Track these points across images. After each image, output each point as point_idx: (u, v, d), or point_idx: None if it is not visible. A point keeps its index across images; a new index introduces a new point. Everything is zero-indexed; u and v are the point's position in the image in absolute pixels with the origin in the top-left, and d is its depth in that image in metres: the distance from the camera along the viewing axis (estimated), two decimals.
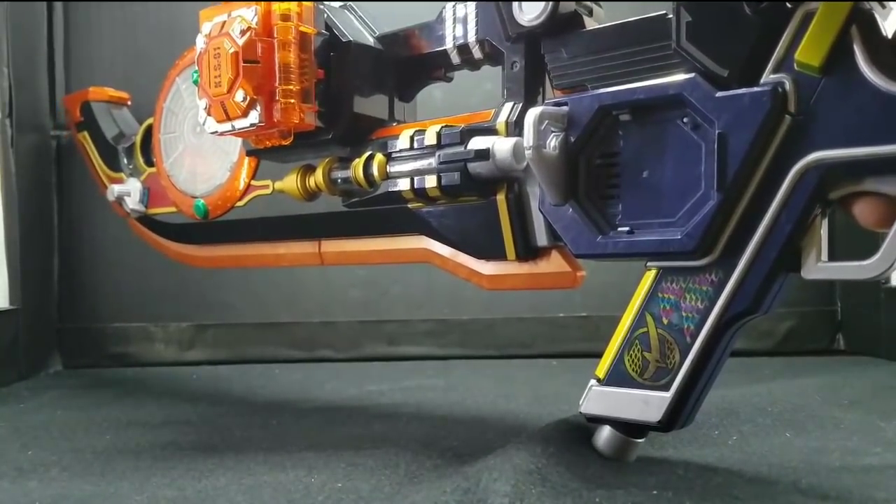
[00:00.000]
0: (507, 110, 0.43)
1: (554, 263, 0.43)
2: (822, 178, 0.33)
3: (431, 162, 0.44)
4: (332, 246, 0.54)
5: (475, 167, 0.43)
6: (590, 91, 0.40)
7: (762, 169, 0.34)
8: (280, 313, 0.95)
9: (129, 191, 0.69)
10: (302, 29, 0.47)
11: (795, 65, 0.33)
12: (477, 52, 0.46)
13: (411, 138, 0.45)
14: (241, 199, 0.59)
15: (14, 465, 0.46)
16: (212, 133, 0.49)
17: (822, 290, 0.90)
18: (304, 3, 0.47)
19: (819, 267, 0.34)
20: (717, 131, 0.35)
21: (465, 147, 0.43)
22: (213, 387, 0.79)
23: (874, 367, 0.78)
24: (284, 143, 0.49)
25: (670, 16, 0.36)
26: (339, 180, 0.51)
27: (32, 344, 0.87)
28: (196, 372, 0.89)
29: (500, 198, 0.43)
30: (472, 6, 0.46)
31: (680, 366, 0.37)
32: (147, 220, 0.70)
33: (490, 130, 0.43)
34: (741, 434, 0.48)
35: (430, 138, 0.44)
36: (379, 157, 0.47)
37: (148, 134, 0.68)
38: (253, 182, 0.58)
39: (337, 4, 0.50)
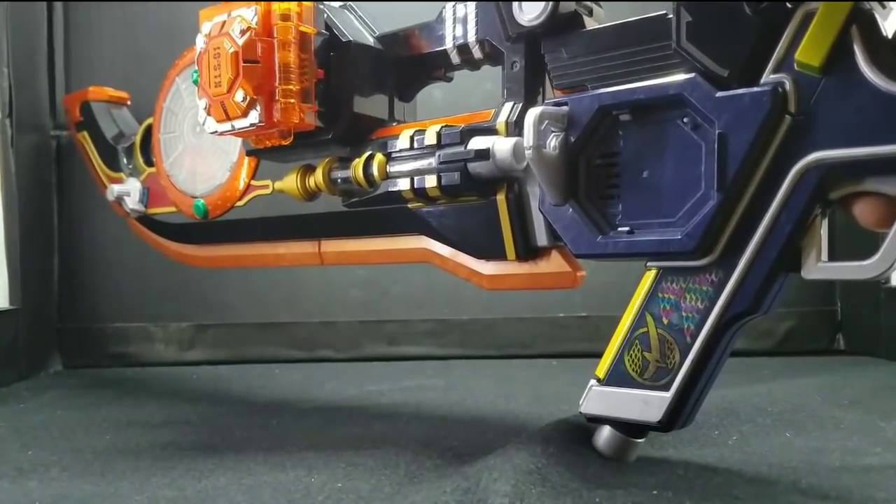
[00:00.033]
0: (507, 110, 0.43)
1: (554, 263, 0.43)
2: (822, 178, 0.33)
3: (431, 162, 0.44)
4: (332, 246, 0.54)
5: (475, 167, 0.43)
6: (590, 91, 0.40)
7: (762, 169, 0.34)
8: (280, 313, 0.95)
9: (128, 191, 0.69)
10: (302, 29, 0.47)
11: (795, 65, 0.33)
12: (477, 52, 0.46)
13: (411, 138, 0.45)
14: (240, 198, 0.59)
15: (14, 465, 0.46)
16: (211, 133, 0.49)
17: (822, 290, 0.90)
18: (304, 3, 0.47)
19: (819, 267, 0.34)
20: (717, 131, 0.35)
21: (465, 147, 0.43)
22: (213, 387, 0.78)
23: (874, 367, 0.78)
24: (284, 142, 0.49)
25: (670, 16, 0.36)
26: (339, 180, 0.51)
27: (32, 344, 0.87)
28: (196, 372, 0.89)
29: (500, 198, 0.43)
30: (472, 6, 0.45)
31: (680, 366, 0.37)
32: (147, 220, 0.70)
33: (490, 130, 0.43)
34: (741, 434, 0.48)
35: (430, 138, 0.44)
36: (379, 156, 0.47)
37: (148, 134, 0.68)
38: (253, 182, 0.58)
39: (337, 4, 0.50)
